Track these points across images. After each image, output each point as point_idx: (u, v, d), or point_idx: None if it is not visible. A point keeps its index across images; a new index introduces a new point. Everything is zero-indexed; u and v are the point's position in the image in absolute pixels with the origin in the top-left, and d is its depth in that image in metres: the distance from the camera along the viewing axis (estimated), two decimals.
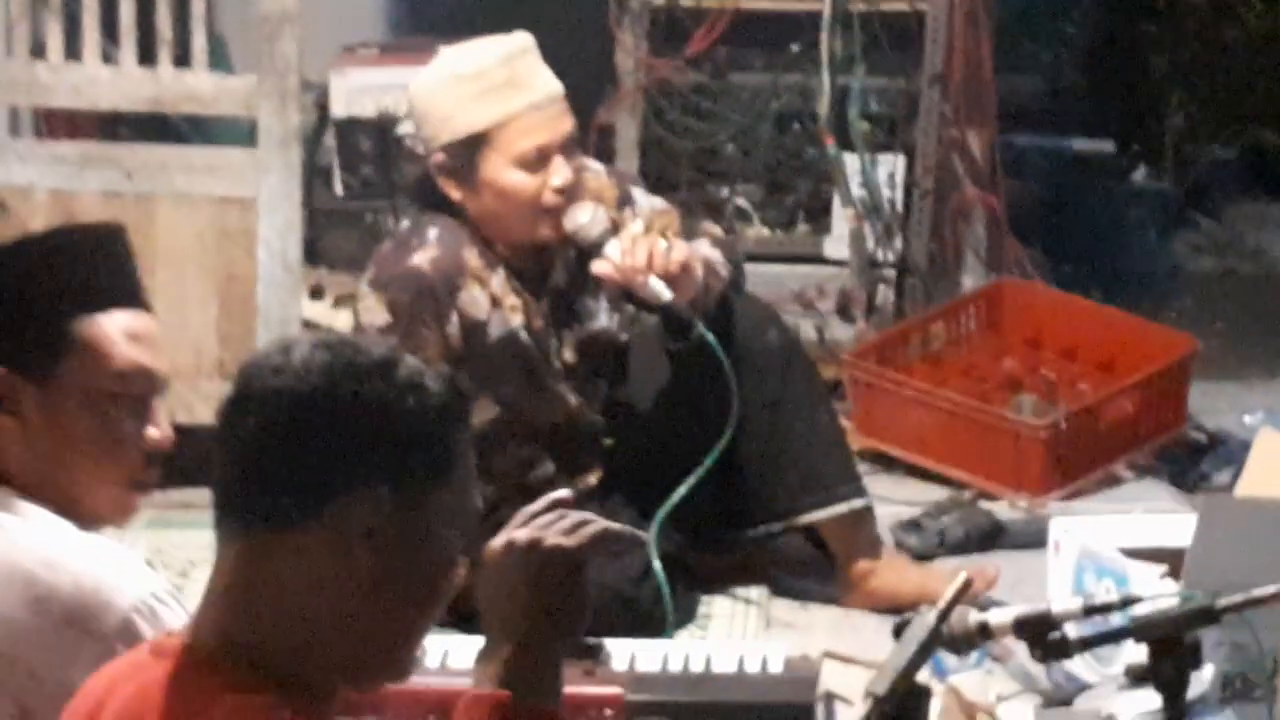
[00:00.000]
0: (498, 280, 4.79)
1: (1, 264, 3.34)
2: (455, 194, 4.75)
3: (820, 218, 6.19)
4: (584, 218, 4.76)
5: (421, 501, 2.38)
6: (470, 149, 4.69)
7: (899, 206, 6.12)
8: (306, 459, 2.40)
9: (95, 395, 2.68)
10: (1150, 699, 3.27)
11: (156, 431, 2.72)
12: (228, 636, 2.31)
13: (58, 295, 2.80)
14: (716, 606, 4.92)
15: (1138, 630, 3.14)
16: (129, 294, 2.79)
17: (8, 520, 2.92)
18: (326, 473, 2.36)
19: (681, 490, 4.72)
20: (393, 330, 4.69)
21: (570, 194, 4.77)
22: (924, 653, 2.89)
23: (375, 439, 2.40)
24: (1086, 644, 3.26)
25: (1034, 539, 4.97)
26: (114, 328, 2.72)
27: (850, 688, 3.88)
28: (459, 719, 2.62)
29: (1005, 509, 5.32)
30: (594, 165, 5.03)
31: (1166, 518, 4.91)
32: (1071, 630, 3.18)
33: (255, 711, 2.28)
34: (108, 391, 2.69)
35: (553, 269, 4.88)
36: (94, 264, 2.88)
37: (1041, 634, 3.17)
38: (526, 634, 2.57)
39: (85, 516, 2.74)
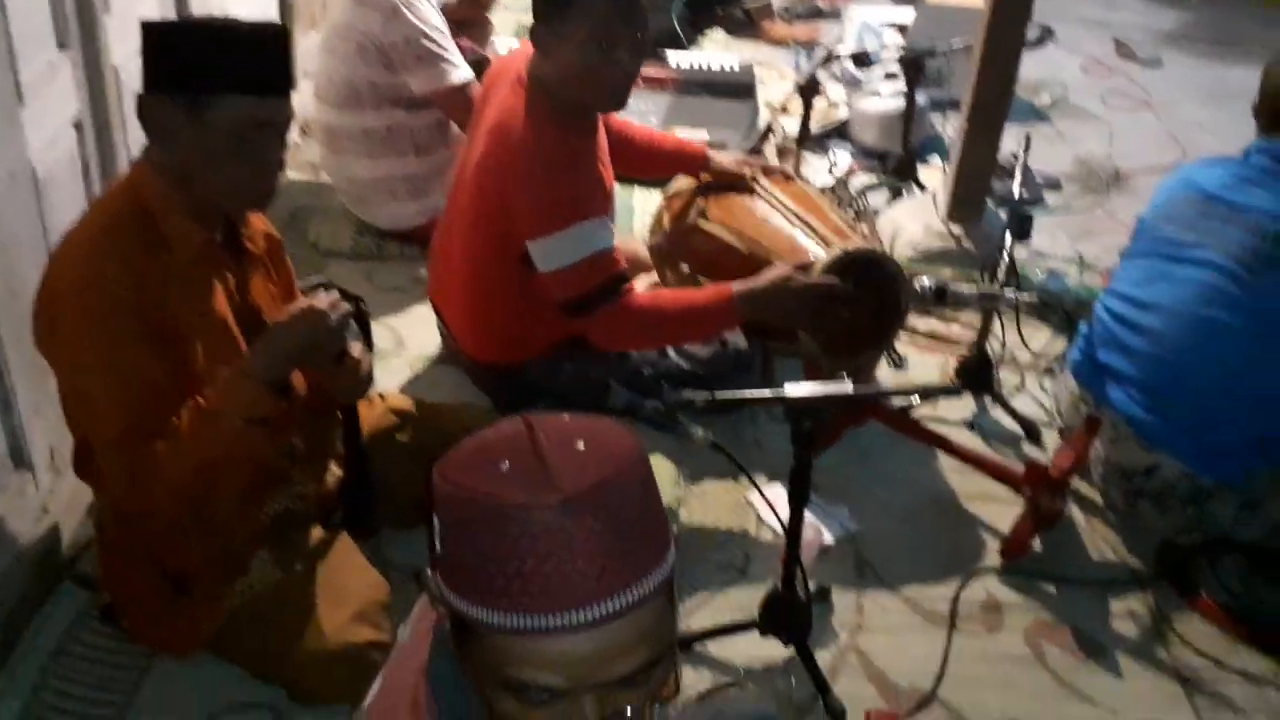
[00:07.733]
0: None
1: None
2: None
3: None
4: None
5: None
6: None
7: None
8: None
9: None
10: (897, 85, 3.41)
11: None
12: (537, 86, 2.10)
13: None
14: (709, 39, 4.32)
15: (895, 60, 3.35)
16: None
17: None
18: None
19: None
20: None
21: None
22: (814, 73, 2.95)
23: None
24: (865, 62, 3.47)
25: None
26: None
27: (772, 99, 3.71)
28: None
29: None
30: None
31: (904, 9, 4.46)
32: (853, 55, 3.41)
33: (553, 114, 2.12)
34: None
35: None
36: None
37: (862, 58, 3.39)
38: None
39: None
